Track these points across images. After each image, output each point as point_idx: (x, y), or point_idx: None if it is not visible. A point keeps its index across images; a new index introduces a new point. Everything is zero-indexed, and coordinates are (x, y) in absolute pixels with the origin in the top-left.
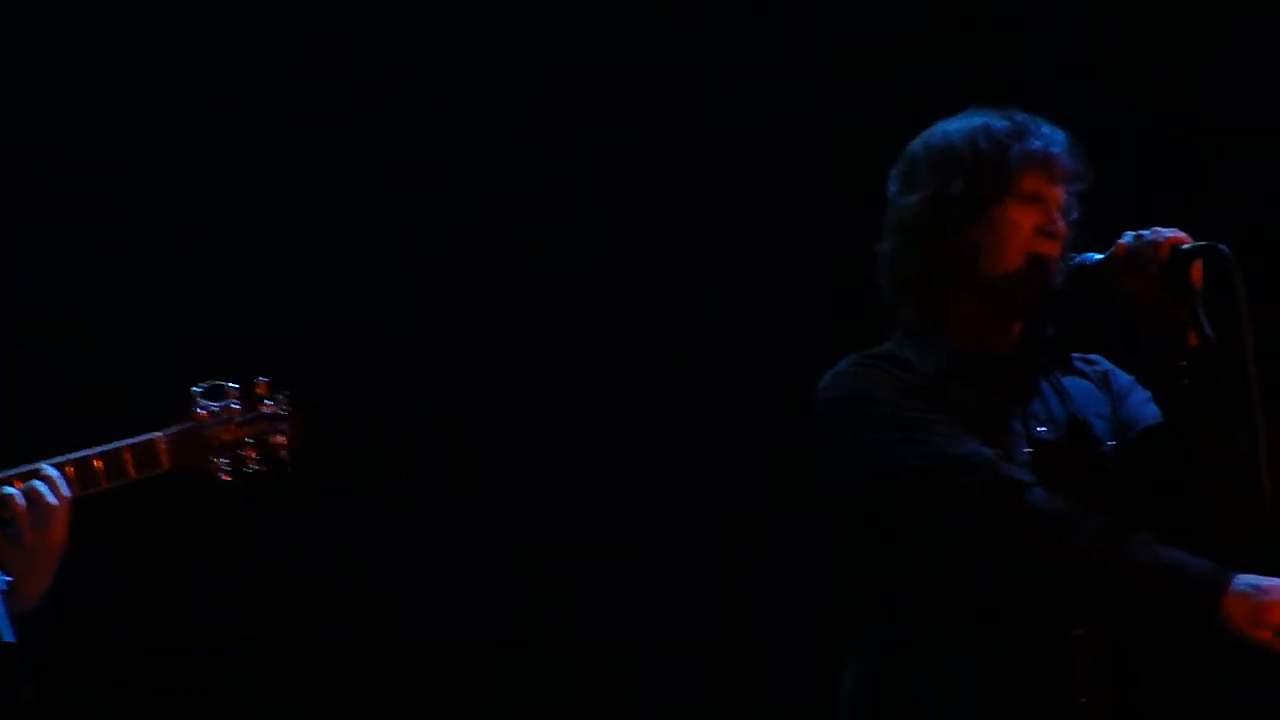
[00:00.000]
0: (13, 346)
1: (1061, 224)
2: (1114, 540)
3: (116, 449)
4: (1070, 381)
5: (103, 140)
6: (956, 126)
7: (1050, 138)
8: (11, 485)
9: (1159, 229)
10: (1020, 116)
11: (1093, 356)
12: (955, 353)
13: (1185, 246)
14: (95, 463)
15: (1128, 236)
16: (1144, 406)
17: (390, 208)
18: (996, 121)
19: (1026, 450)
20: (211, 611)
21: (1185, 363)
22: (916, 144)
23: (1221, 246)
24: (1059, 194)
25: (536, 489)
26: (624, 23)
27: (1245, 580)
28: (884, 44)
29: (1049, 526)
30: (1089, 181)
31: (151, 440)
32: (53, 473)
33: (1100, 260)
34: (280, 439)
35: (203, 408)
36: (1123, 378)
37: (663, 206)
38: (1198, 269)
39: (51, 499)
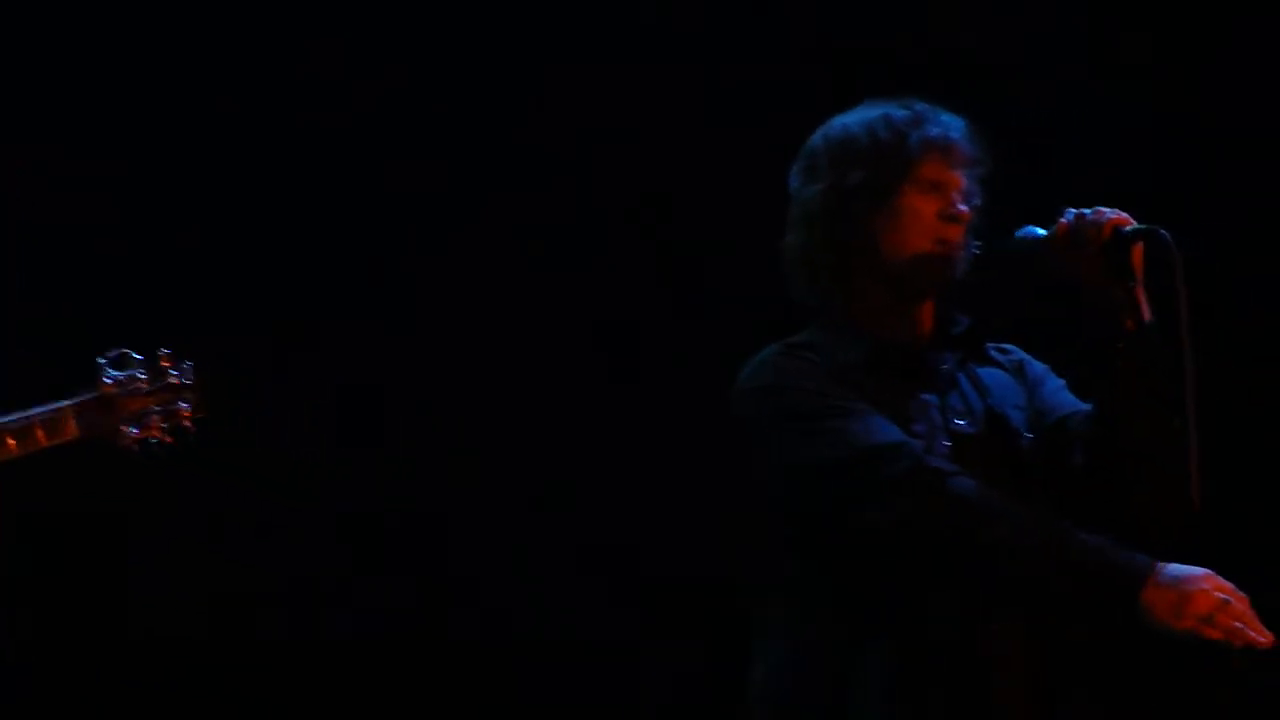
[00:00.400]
0: (12, 346)
1: (964, 208)
2: (1036, 529)
3: (27, 418)
4: (986, 372)
5: (99, 140)
6: (855, 118)
7: (949, 124)
8: None
9: (1101, 209)
10: (919, 106)
11: (1007, 346)
12: (869, 344)
13: (1127, 229)
14: (7, 438)
15: (1069, 214)
16: (1058, 394)
17: (389, 206)
18: (895, 111)
19: (946, 443)
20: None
21: (1121, 345)
22: (816, 137)
23: (1162, 231)
24: (959, 179)
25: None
26: (624, 23)
27: (1168, 570)
28: (884, 44)
29: (972, 515)
30: (989, 167)
31: (61, 409)
32: None
33: (1042, 237)
34: (185, 409)
35: (110, 378)
36: (1037, 366)
37: (663, 206)
38: (1139, 252)
39: None
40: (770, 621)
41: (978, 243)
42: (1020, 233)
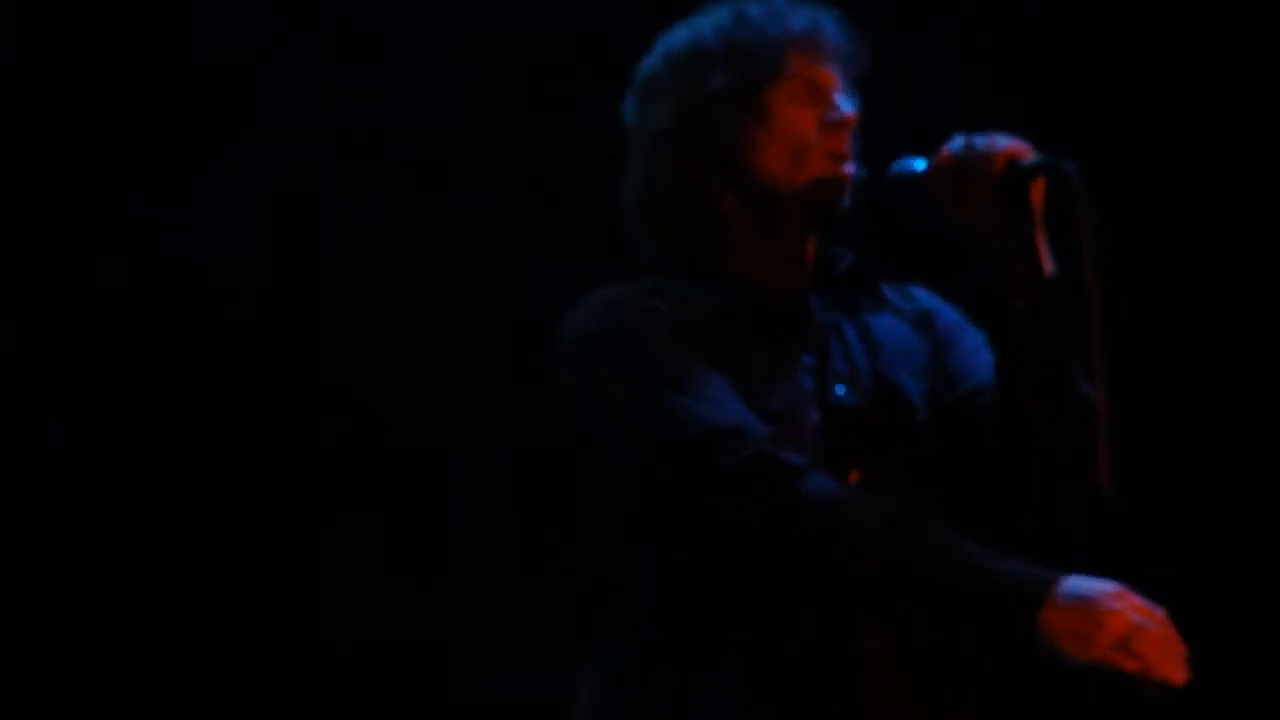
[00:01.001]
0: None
1: (848, 110)
2: (905, 537)
3: None
4: (881, 323)
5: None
6: (700, 23)
7: (816, 15)
8: None
9: (996, 136)
10: (779, 1)
11: (911, 288)
12: (732, 288)
13: (1025, 161)
14: None
15: (956, 142)
16: (976, 356)
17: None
18: (749, 7)
19: (816, 417)
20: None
21: (1017, 304)
22: (653, 57)
23: (1067, 164)
24: (834, 76)
25: None
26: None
27: (1071, 587)
28: None
29: (825, 521)
30: (867, 64)
31: None
32: None
33: (921, 170)
34: None
35: None
36: (948, 316)
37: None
38: (1039, 189)
39: None
40: (606, 623)
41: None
42: (895, 165)
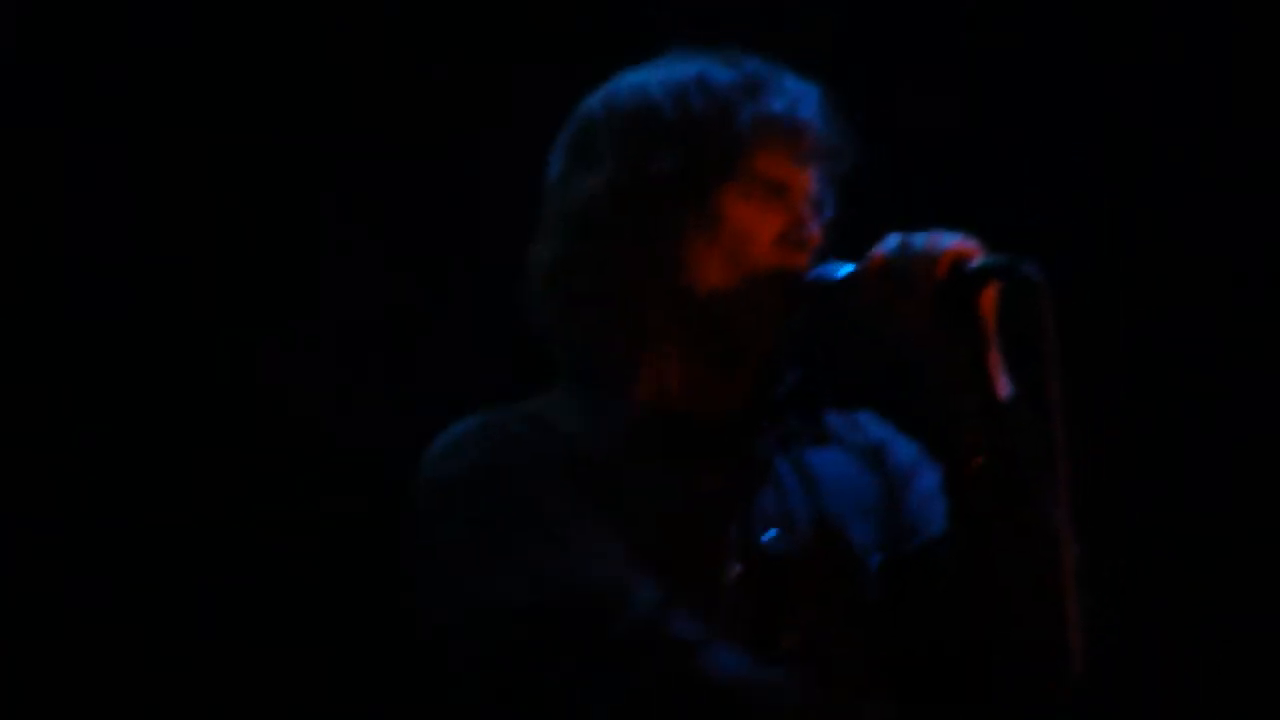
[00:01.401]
0: None
1: (813, 227)
2: None
3: None
4: (822, 458)
5: None
6: (656, 77)
7: (797, 96)
8: None
9: (938, 233)
10: (753, 65)
11: (860, 416)
12: (644, 415)
13: (974, 263)
14: None
15: (890, 242)
16: (935, 499)
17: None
18: (717, 71)
19: (737, 569)
20: None
21: (966, 436)
22: (594, 102)
23: (1026, 265)
24: (809, 181)
25: None
26: None
27: None
28: None
29: (724, 712)
30: (854, 161)
31: None
32: None
33: (848, 275)
34: None
35: None
36: (903, 452)
37: None
38: (991, 296)
39: None
40: None
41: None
42: (816, 271)
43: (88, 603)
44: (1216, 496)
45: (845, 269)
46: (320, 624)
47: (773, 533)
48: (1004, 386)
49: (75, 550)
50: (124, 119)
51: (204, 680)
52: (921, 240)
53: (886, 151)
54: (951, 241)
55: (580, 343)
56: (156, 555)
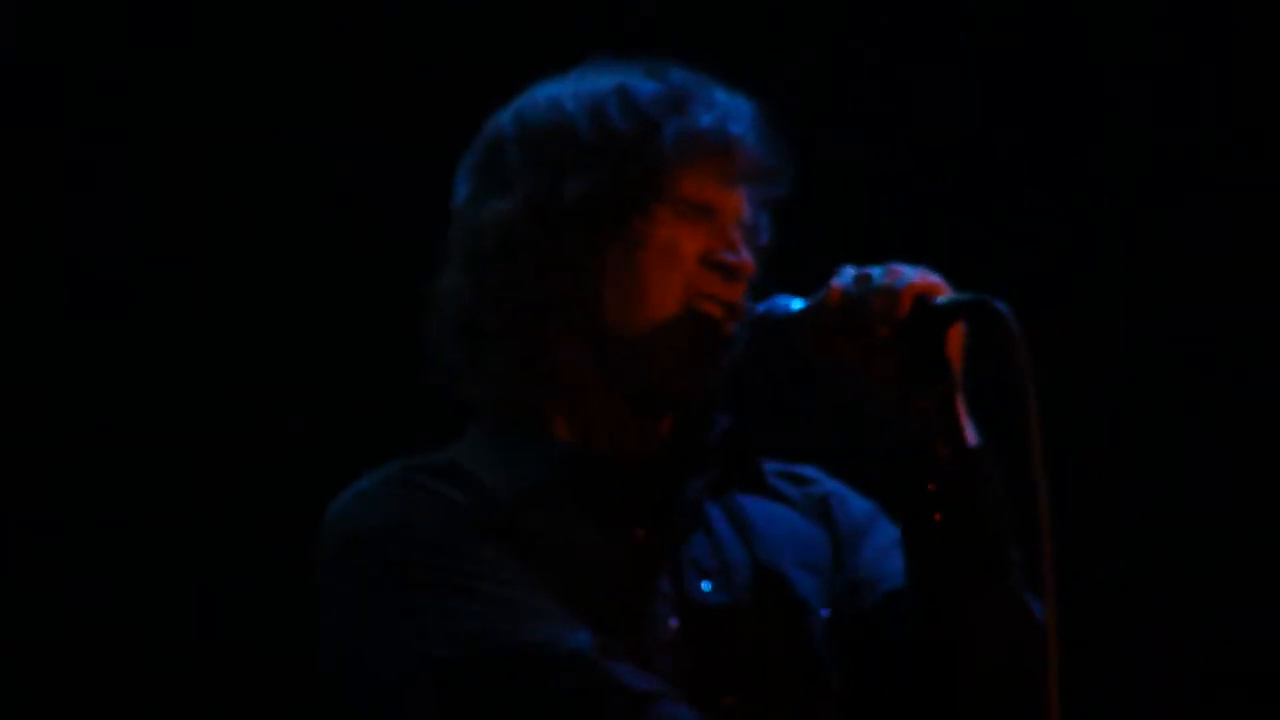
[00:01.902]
0: None
1: (745, 253)
2: None
3: None
4: (759, 507)
5: None
6: (574, 90)
7: (727, 110)
8: None
9: (897, 267)
10: (678, 76)
11: (807, 470)
12: (565, 462)
13: (939, 299)
14: None
15: (846, 274)
16: (890, 557)
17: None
18: (639, 83)
19: (674, 622)
20: None
21: (931, 486)
22: (504, 119)
23: (996, 302)
24: (740, 201)
25: None
26: None
27: None
28: None
29: None
30: (790, 183)
31: None
32: None
33: (800, 311)
34: None
35: None
36: (858, 507)
37: None
38: (957, 336)
39: None
40: None
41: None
42: (765, 305)
43: (88, 603)
44: (1192, 512)
45: (796, 304)
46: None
47: (711, 584)
48: (970, 428)
49: (75, 550)
50: (124, 119)
51: (204, 680)
52: (880, 274)
53: (827, 175)
54: (915, 275)
55: (492, 385)
56: (156, 555)
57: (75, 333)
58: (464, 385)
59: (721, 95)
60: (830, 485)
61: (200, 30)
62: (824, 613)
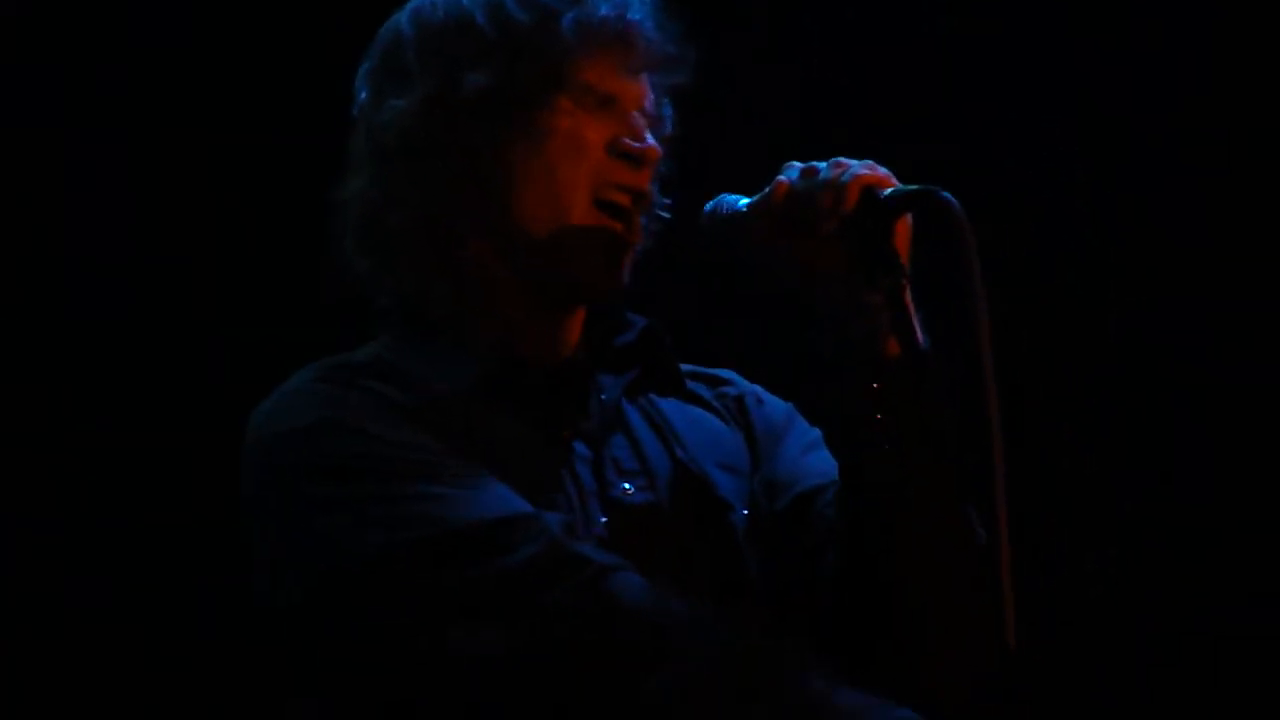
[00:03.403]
0: None
1: (650, 140)
2: (758, 668)
3: None
4: (676, 409)
5: None
6: None
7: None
8: None
9: (843, 160)
10: None
11: (720, 372)
12: (485, 361)
13: (887, 190)
14: None
15: (792, 170)
16: (807, 457)
17: None
18: None
19: (602, 520)
20: None
21: (878, 385)
22: (401, 19)
23: (944, 193)
24: (642, 90)
25: None
26: None
27: None
28: None
29: (646, 642)
30: (690, 70)
31: None
32: None
33: (747, 207)
34: None
35: None
36: (775, 408)
37: None
38: (905, 228)
39: None
40: None
41: (667, 205)
42: (711, 204)
43: (88, 603)
44: (1179, 502)
45: (743, 201)
46: None
47: (632, 485)
48: (919, 331)
49: (75, 550)
50: (124, 119)
51: (204, 680)
52: (826, 169)
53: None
54: (862, 168)
55: (404, 286)
56: (156, 555)
57: (75, 332)
58: (373, 289)
59: None
60: (746, 386)
61: (200, 30)
62: (743, 513)
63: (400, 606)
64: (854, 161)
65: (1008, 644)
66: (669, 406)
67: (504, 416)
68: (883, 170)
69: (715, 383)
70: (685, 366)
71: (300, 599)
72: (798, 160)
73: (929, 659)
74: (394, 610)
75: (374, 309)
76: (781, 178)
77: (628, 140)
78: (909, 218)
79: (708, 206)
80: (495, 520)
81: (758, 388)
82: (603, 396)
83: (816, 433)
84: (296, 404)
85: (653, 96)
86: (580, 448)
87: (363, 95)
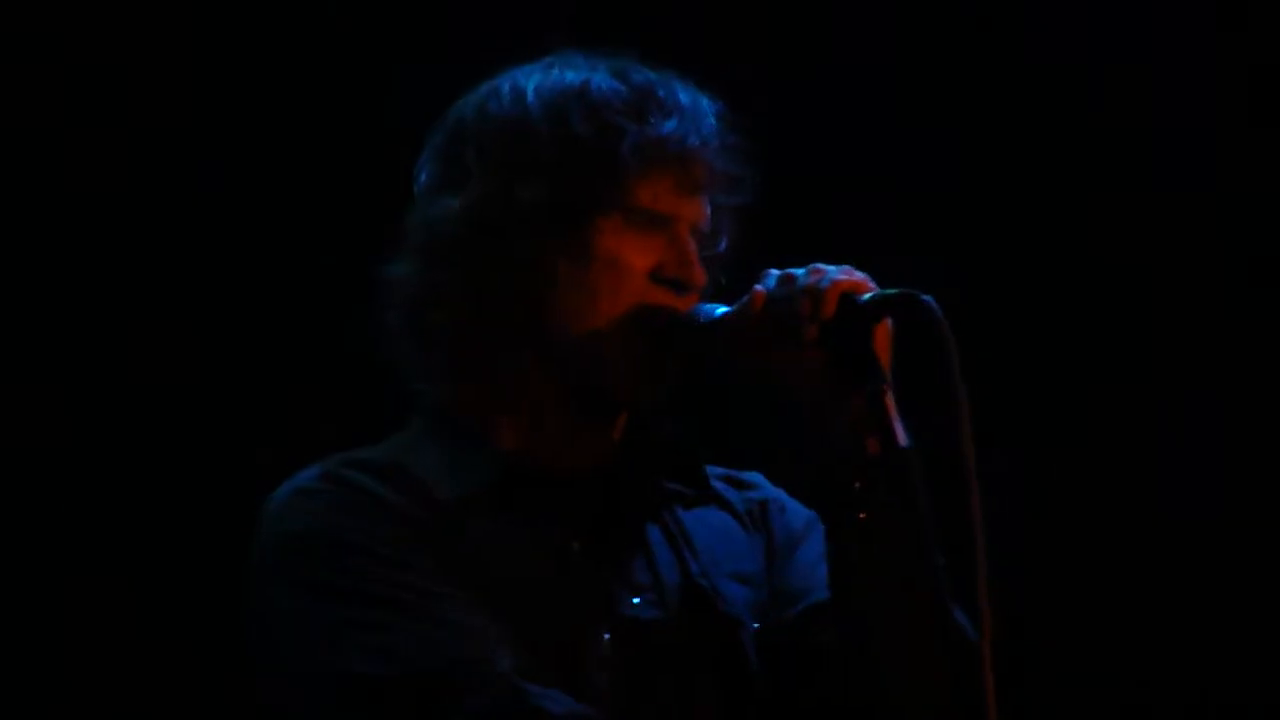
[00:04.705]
0: None
1: (698, 268)
2: None
3: None
4: (699, 519)
5: None
6: (537, 83)
7: (692, 114)
8: None
9: (821, 266)
10: (640, 76)
11: (748, 476)
12: (503, 464)
13: (866, 296)
14: None
15: (770, 278)
16: (822, 566)
17: None
18: (603, 80)
19: (606, 637)
20: None
21: (859, 487)
22: (468, 106)
23: (924, 297)
24: (699, 209)
25: None
26: None
27: None
28: None
29: None
30: (751, 190)
31: None
32: None
33: (724, 315)
34: None
35: None
36: (796, 516)
37: None
38: (884, 333)
39: None
40: None
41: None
42: (689, 312)
43: (88, 602)
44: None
45: (720, 310)
46: None
47: (642, 599)
48: (901, 434)
49: (75, 550)
50: (124, 119)
51: (203, 680)
52: (804, 275)
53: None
54: (839, 274)
55: (437, 383)
56: (156, 555)
57: (76, 333)
58: (411, 376)
59: (685, 97)
60: (771, 492)
61: (200, 30)
62: (753, 627)
63: None
64: (831, 267)
65: None
66: (689, 517)
67: (513, 524)
68: (859, 275)
69: (742, 486)
70: (713, 468)
71: (277, 700)
72: (774, 267)
73: None
74: None
75: (408, 388)
76: (758, 287)
77: (673, 270)
78: (888, 321)
79: (687, 312)
80: (461, 664)
81: (781, 493)
82: (627, 507)
83: None
84: (303, 503)
85: (708, 216)
86: (598, 563)
87: (422, 178)
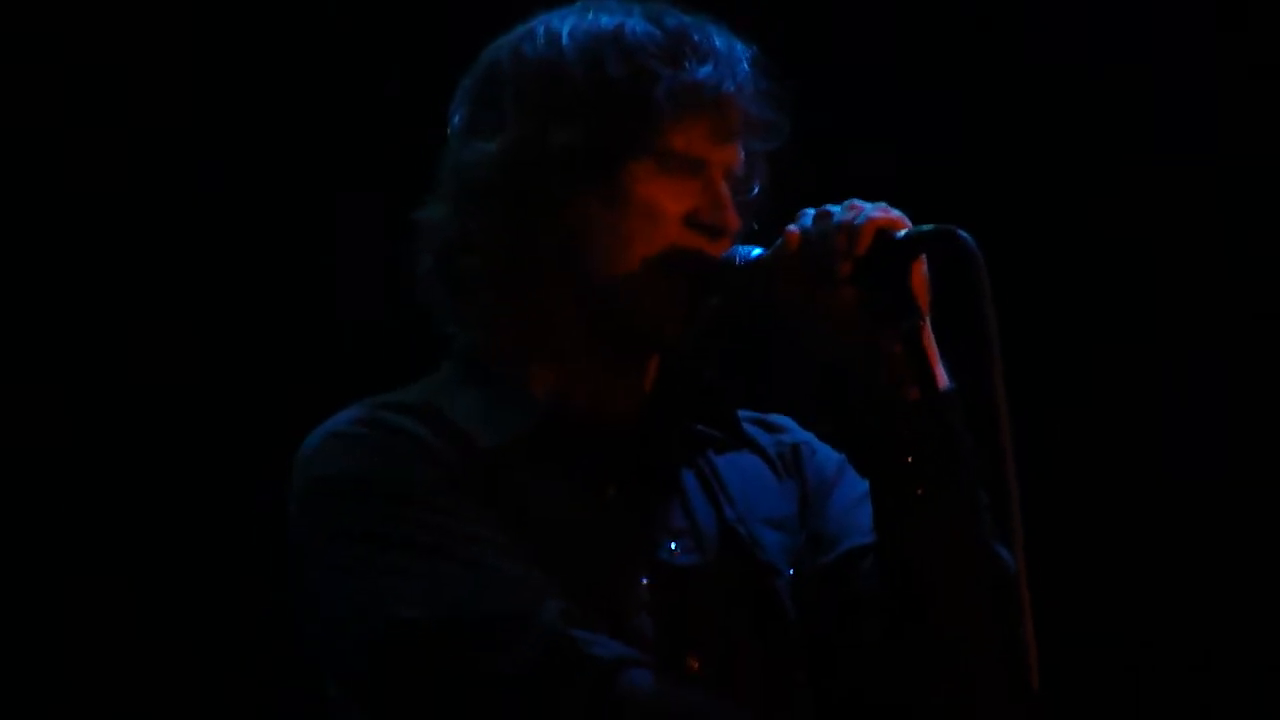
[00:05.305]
0: None
1: (731, 213)
2: None
3: None
4: (733, 464)
5: None
6: (572, 27)
7: (726, 59)
8: None
9: (857, 203)
10: (675, 20)
11: (777, 419)
12: (540, 411)
13: (901, 233)
14: None
15: (805, 218)
16: (857, 511)
17: None
18: (637, 24)
19: (645, 582)
20: None
21: (899, 431)
22: (503, 48)
23: (960, 232)
24: (733, 154)
25: None
26: None
27: None
28: None
29: None
30: (786, 135)
31: None
32: None
33: (760, 257)
34: None
35: None
36: (828, 459)
37: None
38: (921, 270)
39: None
40: None
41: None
42: (727, 254)
43: (88, 602)
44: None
45: (756, 251)
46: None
47: (679, 545)
48: (942, 375)
49: (75, 550)
50: (124, 119)
51: (203, 680)
52: (840, 212)
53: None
54: (875, 211)
55: (472, 328)
56: (156, 555)
57: (76, 333)
58: (444, 321)
59: (720, 42)
60: (801, 435)
61: (200, 30)
62: (789, 573)
63: (406, 676)
64: (868, 204)
65: (1031, 685)
66: (723, 463)
67: (550, 471)
68: (896, 212)
69: (772, 429)
70: (742, 412)
71: (322, 649)
72: (810, 206)
73: (960, 695)
74: (402, 685)
75: (440, 333)
76: (793, 227)
77: (707, 214)
78: (925, 258)
79: (722, 256)
80: (506, 615)
81: (811, 435)
82: (661, 452)
83: (866, 485)
84: (338, 449)
85: (741, 162)
86: (632, 508)
87: (455, 120)
